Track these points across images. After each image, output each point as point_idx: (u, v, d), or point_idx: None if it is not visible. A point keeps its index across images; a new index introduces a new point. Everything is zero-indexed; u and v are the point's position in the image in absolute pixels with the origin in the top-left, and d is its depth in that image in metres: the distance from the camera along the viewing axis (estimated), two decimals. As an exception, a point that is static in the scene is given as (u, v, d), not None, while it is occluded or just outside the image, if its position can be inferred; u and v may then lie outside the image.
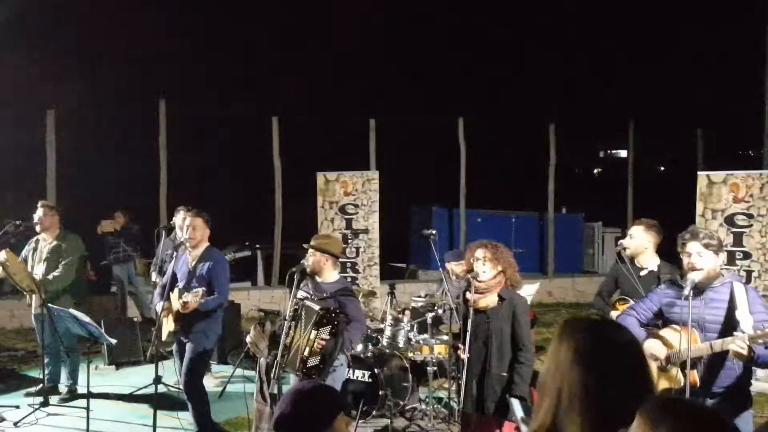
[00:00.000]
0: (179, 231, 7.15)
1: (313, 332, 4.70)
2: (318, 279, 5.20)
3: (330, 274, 5.22)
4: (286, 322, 4.86)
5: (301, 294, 5.02)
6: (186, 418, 6.02)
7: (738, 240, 7.84)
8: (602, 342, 2.00)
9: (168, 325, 5.80)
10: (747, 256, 7.78)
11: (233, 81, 22.85)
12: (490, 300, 4.62)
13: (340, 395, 2.52)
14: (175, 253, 5.93)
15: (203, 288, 5.55)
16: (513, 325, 4.57)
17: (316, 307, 4.76)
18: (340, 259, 9.90)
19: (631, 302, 5.09)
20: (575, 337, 2.00)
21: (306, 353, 4.72)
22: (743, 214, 7.88)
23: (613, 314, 5.19)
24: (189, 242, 5.79)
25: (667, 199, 16.11)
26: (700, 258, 3.98)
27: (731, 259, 7.77)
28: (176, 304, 5.65)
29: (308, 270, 5.14)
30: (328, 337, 4.73)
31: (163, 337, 5.83)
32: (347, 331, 4.93)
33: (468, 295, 4.69)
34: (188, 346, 5.72)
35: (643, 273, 5.19)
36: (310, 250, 5.16)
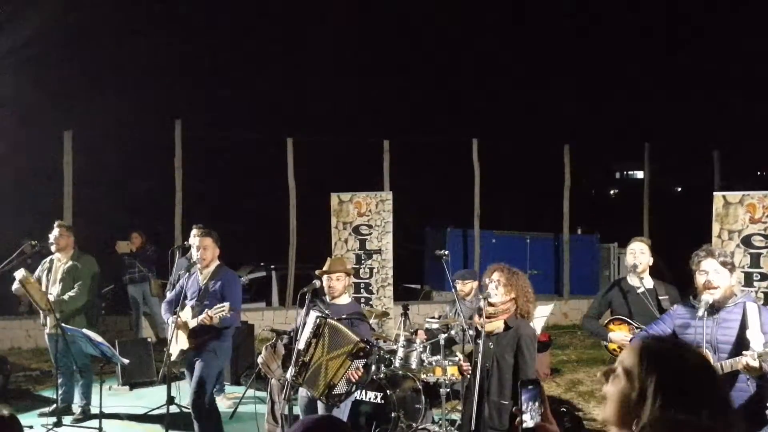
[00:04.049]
0: (194, 250, 7.19)
1: (348, 362, 4.74)
2: (328, 300, 5.25)
3: (344, 296, 5.32)
4: (306, 337, 4.86)
5: (315, 313, 5.04)
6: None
7: (755, 261, 7.75)
8: (691, 369, 1.95)
9: (179, 344, 5.79)
10: (765, 277, 7.69)
11: (248, 103, 23.05)
12: (496, 325, 4.51)
13: (349, 429, 2.40)
14: (187, 273, 5.95)
15: (228, 303, 5.54)
16: (516, 355, 4.43)
17: (355, 338, 4.77)
18: (353, 280, 10.01)
19: (628, 321, 5.14)
20: (662, 366, 1.94)
21: (336, 380, 4.75)
22: (760, 234, 7.80)
23: (612, 335, 5.19)
24: (201, 263, 5.82)
25: (684, 220, 16.00)
26: (717, 275, 3.95)
27: (748, 281, 7.68)
28: (192, 322, 5.65)
29: (336, 293, 5.22)
30: (363, 371, 4.79)
31: (173, 357, 5.83)
32: None
33: (476, 318, 4.63)
34: (197, 365, 5.71)
35: (640, 291, 5.19)
36: (335, 275, 5.21)
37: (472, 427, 4.46)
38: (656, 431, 1.80)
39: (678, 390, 1.86)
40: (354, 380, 4.77)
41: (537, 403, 2.27)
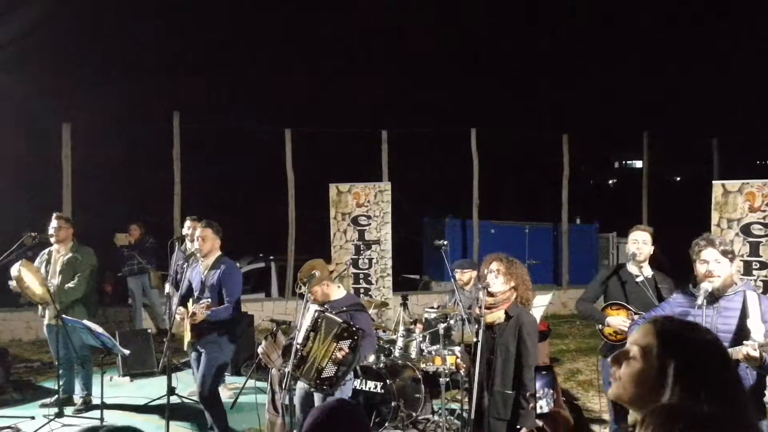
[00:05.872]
0: (189, 241, 7.21)
1: (333, 344, 4.75)
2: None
3: (337, 292, 5.25)
4: (304, 332, 4.88)
5: (315, 307, 5.05)
6: (195, 429, 6.03)
7: (755, 249, 7.76)
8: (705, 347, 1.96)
9: (187, 336, 5.82)
10: (764, 266, 7.70)
11: (246, 94, 23.00)
12: (497, 315, 4.46)
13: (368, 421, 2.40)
14: (186, 264, 5.95)
15: (208, 300, 5.57)
16: (518, 344, 4.38)
17: (339, 320, 4.80)
18: (352, 270, 10.02)
19: (626, 306, 5.19)
20: (679, 348, 1.91)
21: (323, 363, 4.75)
22: (760, 223, 7.80)
23: (610, 320, 5.24)
24: (199, 253, 5.83)
25: (683, 209, 16.01)
26: (718, 265, 3.94)
27: (748, 269, 7.69)
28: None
29: (330, 298, 5.15)
30: (348, 351, 4.77)
31: (185, 348, 5.86)
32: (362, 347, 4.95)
33: (475, 310, 4.57)
34: (202, 357, 5.75)
35: (639, 279, 5.19)
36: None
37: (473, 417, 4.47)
38: (675, 413, 1.80)
39: (695, 375, 1.86)
40: (339, 360, 4.76)
41: (551, 389, 2.31)
